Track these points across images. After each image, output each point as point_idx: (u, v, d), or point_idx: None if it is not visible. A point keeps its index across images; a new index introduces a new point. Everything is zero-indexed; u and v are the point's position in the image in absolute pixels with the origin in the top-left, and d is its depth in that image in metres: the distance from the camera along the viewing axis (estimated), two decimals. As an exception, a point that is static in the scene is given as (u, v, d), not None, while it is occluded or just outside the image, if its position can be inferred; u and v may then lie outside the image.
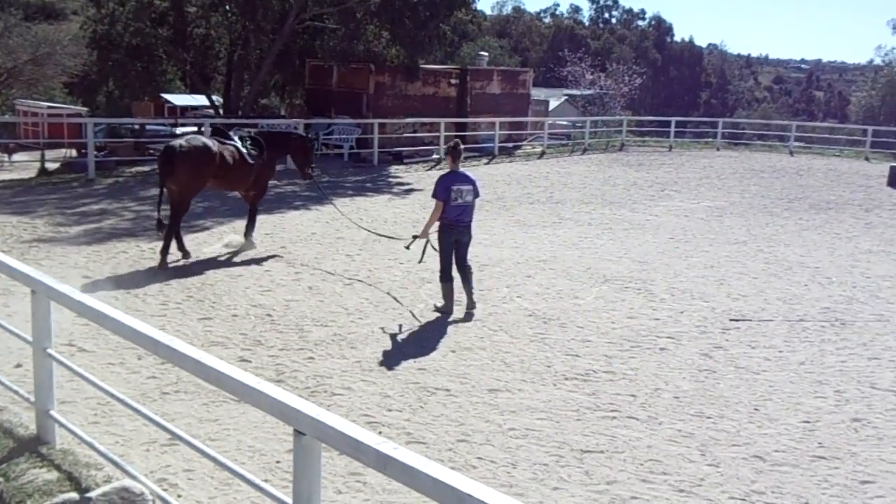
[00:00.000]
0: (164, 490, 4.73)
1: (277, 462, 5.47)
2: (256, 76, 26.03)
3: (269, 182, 12.96)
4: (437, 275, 9.65)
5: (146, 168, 20.75)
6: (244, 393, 3.47)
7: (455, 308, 9.44)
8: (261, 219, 14.47)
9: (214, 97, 29.70)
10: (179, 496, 4.91)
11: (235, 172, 11.67)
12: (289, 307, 9.32)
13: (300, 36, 27.29)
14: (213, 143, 11.45)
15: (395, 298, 9.89)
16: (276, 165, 13.04)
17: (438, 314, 9.30)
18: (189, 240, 12.62)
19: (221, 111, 27.69)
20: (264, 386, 3.38)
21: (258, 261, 11.51)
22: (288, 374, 7.22)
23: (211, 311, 9.03)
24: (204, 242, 12.49)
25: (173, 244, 11.19)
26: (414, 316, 9.25)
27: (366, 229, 12.96)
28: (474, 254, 12.29)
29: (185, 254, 11.40)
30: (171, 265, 10.94)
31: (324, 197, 14.30)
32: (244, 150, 11.74)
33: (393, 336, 8.50)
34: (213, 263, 11.26)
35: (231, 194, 13.88)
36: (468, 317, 9.30)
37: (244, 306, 9.27)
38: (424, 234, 9.68)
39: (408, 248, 10.12)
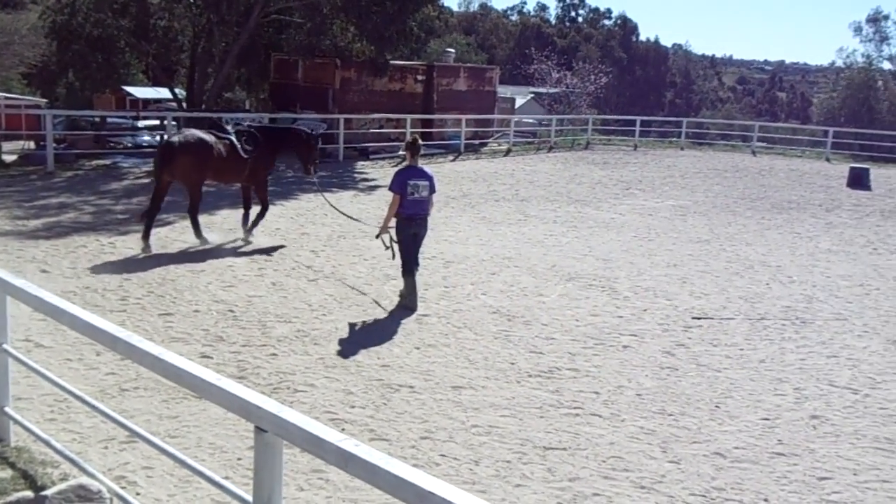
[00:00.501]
0: (123, 488, 4.66)
1: (239, 459, 5.42)
2: (220, 69, 25.74)
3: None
4: (400, 271, 9.66)
5: (107, 161, 20.49)
6: (204, 389, 3.43)
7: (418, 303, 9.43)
8: (224, 214, 14.39)
9: (177, 90, 29.35)
10: (138, 494, 4.84)
11: (230, 166, 11.97)
12: (251, 303, 9.24)
13: (265, 29, 27.05)
14: (209, 138, 11.78)
15: (361, 292, 9.85)
16: (273, 159, 13.06)
17: (405, 310, 9.28)
18: (151, 234, 12.47)
19: (185, 104, 27.37)
20: (224, 382, 3.34)
21: (221, 256, 11.40)
22: (250, 371, 7.15)
23: (172, 307, 8.92)
24: (165, 237, 12.33)
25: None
26: (379, 304, 9.21)
27: (355, 219, 12.89)
28: (439, 251, 12.34)
29: (204, 238, 11.94)
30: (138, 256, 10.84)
31: (319, 191, 14.23)
32: (237, 145, 11.96)
33: (357, 332, 8.46)
34: (174, 258, 11.12)
35: (235, 188, 13.89)
36: (413, 310, 9.38)
37: (206, 302, 9.17)
38: (384, 228, 9.74)
39: (377, 237, 10.05)
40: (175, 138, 11.79)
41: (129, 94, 37.28)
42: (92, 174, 18.48)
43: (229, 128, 12.46)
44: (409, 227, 9.43)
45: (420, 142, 9.70)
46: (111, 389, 6.51)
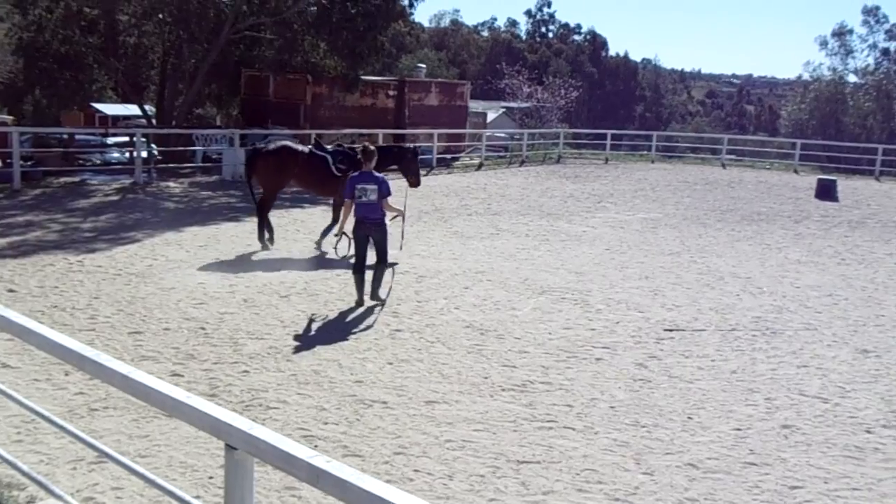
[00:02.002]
0: (91, 509, 4.59)
1: (210, 478, 5.36)
2: (191, 86, 25.64)
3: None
4: (377, 285, 9.98)
5: (75, 178, 20.29)
6: (173, 408, 3.38)
7: (393, 321, 9.41)
8: (194, 231, 14.32)
9: (147, 107, 29.15)
10: (107, 515, 4.77)
11: (319, 179, 13.10)
12: (223, 320, 9.16)
13: (236, 46, 26.99)
14: (300, 148, 13.31)
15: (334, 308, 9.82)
16: None
17: (386, 328, 9.26)
18: (120, 252, 12.39)
19: (154, 121, 27.20)
20: (194, 400, 3.30)
21: (191, 273, 11.31)
22: (222, 388, 7.09)
23: (142, 325, 8.83)
24: (135, 255, 12.23)
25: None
26: (352, 319, 9.19)
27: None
28: (412, 265, 12.33)
29: (265, 244, 13.03)
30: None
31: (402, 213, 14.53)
32: (330, 161, 12.94)
33: (330, 348, 8.41)
34: (144, 276, 11.02)
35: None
36: (360, 305, 9.99)
37: (176, 320, 9.09)
38: (339, 229, 10.64)
39: (334, 235, 10.95)
40: (265, 145, 13.86)
41: (97, 110, 37.00)
42: (60, 192, 18.29)
43: (329, 147, 13.51)
44: (360, 228, 10.01)
45: (372, 148, 10.32)
46: (80, 409, 6.42)
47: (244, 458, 3.03)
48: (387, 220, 10.31)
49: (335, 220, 13.31)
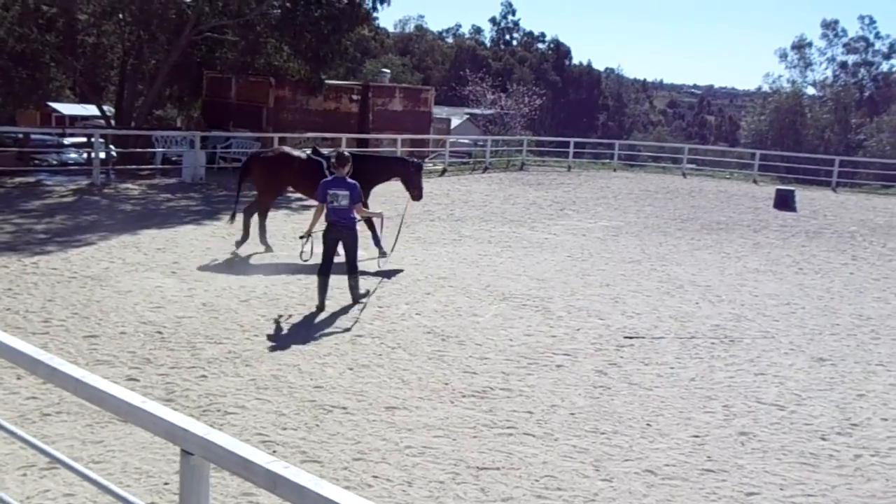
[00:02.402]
0: (42, 516, 4.49)
1: (166, 484, 5.27)
2: (151, 87, 25.32)
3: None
4: (335, 292, 9.99)
5: (30, 179, 19.93)
6: (128, 412, 3.31)
7: (350, 324, 9.37)
8: (152, 234, 14.12)
9: (106, 107, 28.72)
10: (58, 522, 4.67)
11: (314, 184, 12.64)
12: (180, 324, 9.04)
13: (198, 47, 26.71)
14: (296, 153, 13.53)
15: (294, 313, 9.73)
16: (371, 185, 13.52)
17: (339, 330, 9.21)
18: (75, 254, 12.19)
19: (113, 122, 26.82)
20: (150, 405, 3.23)
21: (148, 276, 11.15)
22: (179, 394, 6.98)
23: (97, 329, 8.68)
24: (91, 257, 12.03)
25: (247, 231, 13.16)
26: (312, 324, 9.12)
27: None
28: (374, 269, 12.27)
29: (266, 246, 13.30)
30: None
31: (401, 223, 14.54)
32: (325, 167, 12.76)
33: (289, 353, 8.33)
34: (100, 279, 10.84)
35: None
36: (321, 310, 10.01)
37: (133, 323, 8.95)
38: (308, 231, 10.68)
39: (301, 237, 10.96)
40: (261, 151, 14.21)
41: (54, 110, 36.41)
42: (14, 192, 17.95)
43: (325, 151, 13.64)
44: (330, 232, 10.17)
45: (347, 154, 10.64)
46: (32, 414, 6.28)
47: (200, 463, 2.97)
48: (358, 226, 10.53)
49: (372, 229, 13.42)
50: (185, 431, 2.97)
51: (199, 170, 21.51)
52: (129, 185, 19.91)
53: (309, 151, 13.71)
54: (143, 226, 14.69)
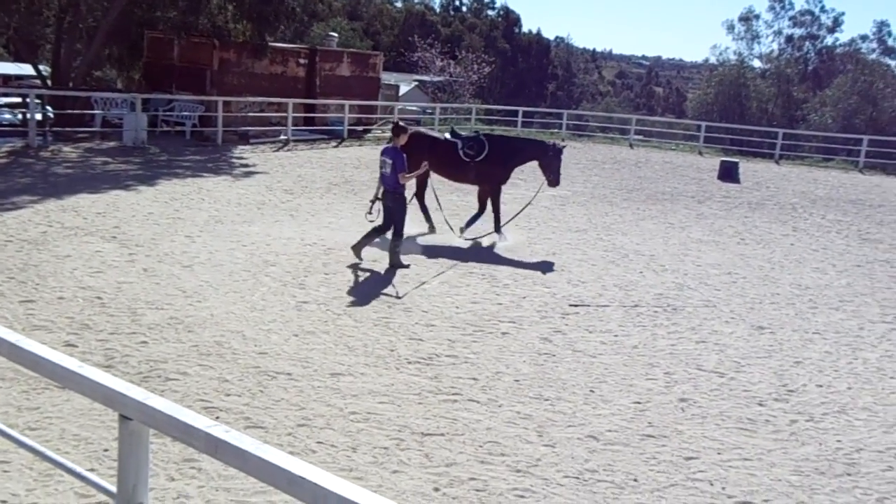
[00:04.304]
0: (-25, 484, 4.38)
1: (105, 450, 5.19)
2: (89, 46, 24.54)
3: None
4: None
5: (-35, 139, 19.27)
6: (64, 377, 3.23)
7: (304, 294, 9.28)
8: (91, 198, 13.79)
9: (42, 66, 27.79)
10: (-7, 490, 4.56)
11: (448, 165, 13.23)
12: (121, 290, 8.86)
13: (138, 5, 25.89)
14: (432, 134, 13.88)
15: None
16: (507, 169, 13.60)
17: (293, 300, 9.12)
18: (11, 218, 11.86)
19: (49, 82, 25.98)
20: (87, 370, 3.16)
21: (88, 241, 10.90)
22: (118, 360, 6.86)
23: (34, 294, 8.46)
24: (28, 221, 11.70)
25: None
26: (259, 290, 9.02)
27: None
28: (320, 237, 12.20)
29: (431, 226, 13.43)
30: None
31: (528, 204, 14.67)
32: (459, 147, 13.12)
33: (233, 319, 8.23)
34: (37, 243, 10.56)
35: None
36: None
37: (71, 288, 8.74)
38: (374, 196, 11.49)
39: (371, 201, 11.57)
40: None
41: (-12, 69, 35.18)
42: (-53, 153, 17.34)
43: (464, 133, 13.84)
44: (384, 197, 10.99)
45: (402, 125, 11.35)
46: (-35, 380, 6.11)
47: (139, 428, 2.91)
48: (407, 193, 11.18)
49: (482, 209, 13.52)
50: (123, 396, 2.91)
51: (141, 133, 20.98)
52: (67, 148, 19.35)
53: (447, 134, 13.74)
54: (83, 189, 14.33)
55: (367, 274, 10.47)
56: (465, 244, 12.79)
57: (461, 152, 13.14)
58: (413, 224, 12.87)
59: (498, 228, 13.30)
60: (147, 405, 2.82)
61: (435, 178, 13.36)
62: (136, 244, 10.96)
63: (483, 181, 13.48)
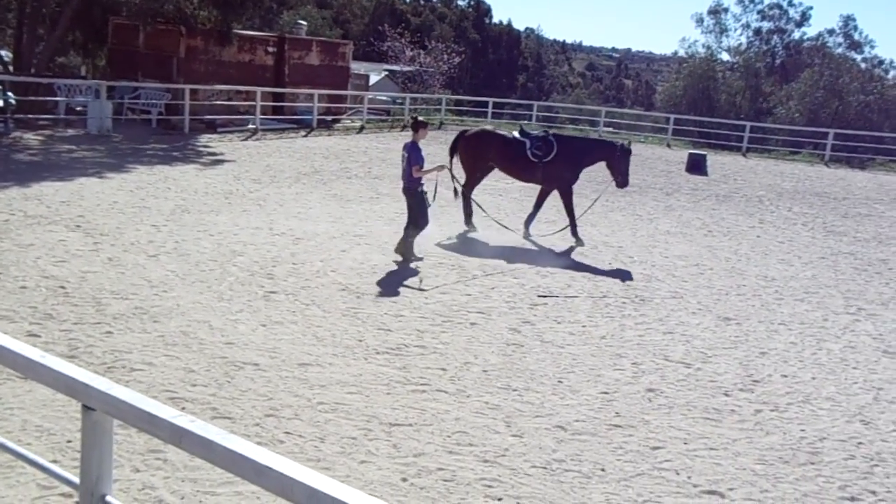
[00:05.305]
0: (-66, 476, 4.29)
1: (69, 441, 5.11)
2: (52, 32, 24.12)
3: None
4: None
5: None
6: (26, 367, 3.16)
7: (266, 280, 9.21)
8: (55, 186, 13.59)
9: (3, 52, 27.29)
10: (-48, 482, 4.48)
11: (515, 165, 13.24)
12: (85, 279, 8.73)
13: (103, -10, 25.53)
14: (500, 133, 13.80)
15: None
16: (577, 169, 13.36)
17: (260, 290, 9.04)
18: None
19: (11, 68, 25.51)
20: (49, 360, 3.09)
21: (51, 230, 10.73)
22: (82, 350, 6.76)
23: (-4, 282, 8.31)
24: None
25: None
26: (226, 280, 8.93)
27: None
28: (289, 227, 12.12)
29: (470, 226, 13.29)
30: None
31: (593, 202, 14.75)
32: (527, 147, 12.96)
33: (200, 309, 8.15)
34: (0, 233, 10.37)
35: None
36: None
37: (34, 278, 8.60)
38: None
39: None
40: (469, 129, 14.30)
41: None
42: None
43: (535, 132, 13.61)
44: (405, 193, 11.02)
45: (422, 119, 11.18)
46: (-77, 371, 5.99)
47: (102, 419, 2.87)
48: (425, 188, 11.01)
49: (536, 209, 13.46)
50: (86, 386, 2.86)
51: (106, 121, 20.69)
52: (30, 136, 19.03)
53: (516, 132, 13.55)
54: (46, 177, 14.10)
55: (336, 265, 10.41)
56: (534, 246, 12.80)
57: (529, 152, 12.97)
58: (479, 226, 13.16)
59: (574, 232, 13.02)
60: (110, 395, 2.78)
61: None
62: (101, 233, 10.81)
63: (550, 182, 13.27)
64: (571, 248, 12.73)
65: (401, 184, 11.17)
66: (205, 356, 6.89)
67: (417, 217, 10.93)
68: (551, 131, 14.46)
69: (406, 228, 11.01)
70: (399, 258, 10.88)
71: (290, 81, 27.55)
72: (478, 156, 13.42)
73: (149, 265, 9.54)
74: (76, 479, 3.10)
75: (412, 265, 10.74)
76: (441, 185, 11.88)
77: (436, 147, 25.32)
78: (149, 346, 7.01)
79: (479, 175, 13.71)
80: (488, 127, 14.66)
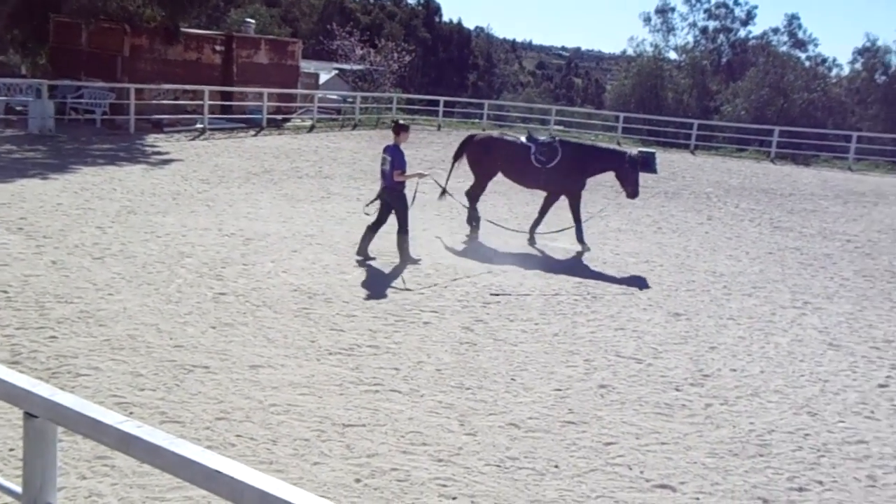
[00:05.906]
0: None
1: (11, 450, 4.97)
2: (-8, 30, 23.52)
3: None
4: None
5: None
6: (-37, 374, 3.07)
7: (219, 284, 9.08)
8: (-2, 186, 13.21)
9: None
10: None
11: (519, 170, 13.12)
12: (27, 283, 8.51)
13: (42, -12, 24.92)
14: (507, 138, 13.71)
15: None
16: (580, 178, 13.09)
17: (210, 291, 8.90)
18: None
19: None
20: (-13, 366, 3.00)
21: (-6, 232, 10.45)
22: (26, 355, 6.59)
23: (-66, 287, 8.07)
24: None
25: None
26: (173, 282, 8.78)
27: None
28: (238, 228, 11.98)
29: (474, 231, 13.08)
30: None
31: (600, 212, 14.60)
32: (532, 152, 12.82)
33: (147, 312, 8.00)
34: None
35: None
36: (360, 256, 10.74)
37: (-25, 281, 8.36)
38: (377, 194, 11.34)
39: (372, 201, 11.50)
40: (476, 134, 14.28)
41: None
42: None
43: (542, 138, 13.47)
44: (382, 193, 11.04)
45: (402, 123, 11.22)
46: None
47: (45, 426, 2.79)
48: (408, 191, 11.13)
49: (541, 216, 13.24)
50: (27, 393, 2.78)
51: (48, 121, 20.23)
52: (-30, 135, 18.54)
53: (523, 137, 13.39)
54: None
55: (287, 265, 10.31)
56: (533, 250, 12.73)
57: (533, 157, 12.83)
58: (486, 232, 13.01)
59: (580, 239, 12.83)
60: (53, 402, 2.70)
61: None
62: (44, 235, 10.56)
63: (551, 188, 13.07)
64: (581, 253, 12.66)
65: (380, 183, 11.20)
66: (153, 360, 6.77)
67: (404, 220, 10.90)
68: (558, 137, 14.40)
69: (398, 233, 10.91)
70: (359, 258, 10.94)
71: (238, 80, 27.23)
72: (485, 161, 13.34)
73: (94, 268, 9.34)
74: (19, 489, 3.01)
75: (413, 266, 10.77)
76: (420, 189, 11.81)
77: (437, 149, 25.26)
78: (95, 350, 6.86)
79: (486, 180, 13.59)
80: (494, 133, 14.62)
